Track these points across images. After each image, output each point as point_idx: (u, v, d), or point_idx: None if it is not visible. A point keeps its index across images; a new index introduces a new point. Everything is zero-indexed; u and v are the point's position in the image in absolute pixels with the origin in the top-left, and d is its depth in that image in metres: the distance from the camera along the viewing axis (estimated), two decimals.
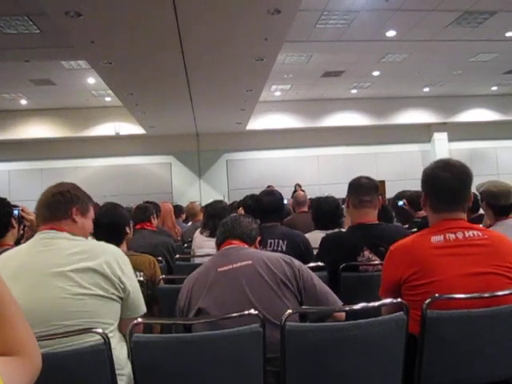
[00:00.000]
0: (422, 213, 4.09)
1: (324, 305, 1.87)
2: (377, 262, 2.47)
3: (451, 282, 1.69)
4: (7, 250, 2.22)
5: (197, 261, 3.68)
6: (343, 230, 3.16)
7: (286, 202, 5.49)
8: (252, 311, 1.61)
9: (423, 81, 11.63)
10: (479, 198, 3.00)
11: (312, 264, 2.46)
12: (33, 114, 12.20)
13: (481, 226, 2.28)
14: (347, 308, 1.78)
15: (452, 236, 1.77)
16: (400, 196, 4.69)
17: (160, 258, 3.21)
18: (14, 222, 2.42)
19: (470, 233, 1.78)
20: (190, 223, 6.30)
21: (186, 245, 4.72)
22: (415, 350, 1.65)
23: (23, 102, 11.44)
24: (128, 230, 2.68)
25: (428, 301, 1.61)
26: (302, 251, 2.87)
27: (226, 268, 1.88)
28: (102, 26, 5.44)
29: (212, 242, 3.85)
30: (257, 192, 3.92)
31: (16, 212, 2.41)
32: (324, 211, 3.57)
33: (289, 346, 1.56)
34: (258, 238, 2.15)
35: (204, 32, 5.78)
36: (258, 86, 8.80)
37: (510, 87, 12.75)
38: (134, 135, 12.90)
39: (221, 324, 1.67)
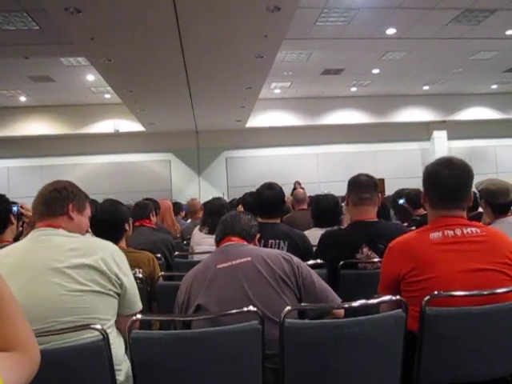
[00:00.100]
0: (421, 211, 4.10)
1: (323, 302, 1.87)
2: (376, 260, 2.47)
3: (449, 278, 1.69)
4: (6, 246, 2.23)
5: (195, 258, 3.68)
6: (342, 227, 3.16)
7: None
8: (251, 308, 1.61)
9: (423, 79, 11.63)
10: (478, 196, 3.00)
11: (311, 261, 2.45)
12: (32, 110, 12.19)
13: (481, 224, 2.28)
14: (346, 305, 1.78)
15: (450, 233, 1.78)
16: (400, 194, 4.69)
17: (159, 255, 3.21)
18: (12, 218, 2.42)
19: (469, 230, 1.79)
20: (189, 220, 6.30)
21: (185, 242, 4.72)
22: (414, 346, 1.65)
23: (22, 98, 11.43)
24: (127, 227, 2.68)
25: (427, 298, 1.61)
26: (301, 251, 2.80)
27: (225, 265, 1.88)
28: (102, 22, 5.42)
29: (211, 238, 3.85)
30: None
31: (15, 209, 2.41)
32: (323, 209, 3.57)
33: (288, 342, 1.56)
34: (258, 235, 2.15)
35: (204, 29, 5.77)
36: (258, 84, 8.79)
37: (509, 85, 12.75)
38: (133, 132, 12.89)
39: (220, 321, 1.67)
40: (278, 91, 12.27)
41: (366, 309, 1.68)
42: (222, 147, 13.92)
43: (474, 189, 2.01)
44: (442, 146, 14.00)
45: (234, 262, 1.87)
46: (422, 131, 14.31)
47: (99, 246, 1.75)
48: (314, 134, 13.83)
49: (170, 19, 5.35)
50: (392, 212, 4.86)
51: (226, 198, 10.90)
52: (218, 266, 1.88)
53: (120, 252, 1.81)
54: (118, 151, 13.40)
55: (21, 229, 2.64)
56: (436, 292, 1.62)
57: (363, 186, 2.66)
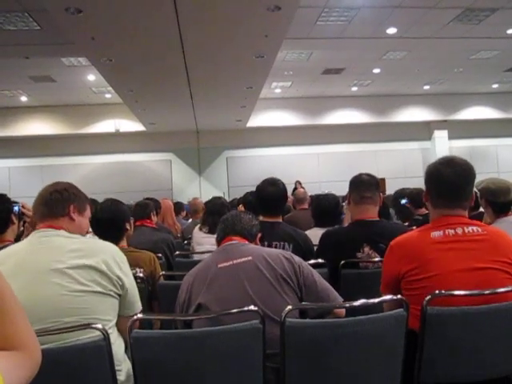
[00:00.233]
0: (423, 210, 4.09)
1: (324, 301, 1.87)
2: (377, 259, 2.47)
3: (450, 277, 1.70)
4: (7, 246, 2.23)
5: (196, 257, 3.68)
6: (343, 226, 3.15)
7: None
8: (252, 307, 1.61)
9: (424, 78, 11.61)
10: (478, 195, 3.00)
11: (312, 261, 2.45)
12: (33, 110, 12.19)
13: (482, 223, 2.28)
14: (347, 304, 1.78)
15: (451, 231, 1.78)
16: (402, 194, 4.68)
17: (160, 255, 3.21)
18: (14, 218, 2.42)
19: (470, 228, 1.79)
20: (190, 220, 6.30)
21: (185, 241, 4.72)
22: (415, 345, 1.65)
23: (23, 98, 11.43)
24: (128, 227, 2.68)
25: (428, 297, 1.61)
26: (303, 252, 2.73)
27: (226, 264, 1.88)
28: (103, 22, 5.42)
29: (211, 238, 3.85)
30: None
31: (16, 208, 2.41)
32: (324, 208, 3.57)
33: (288, 342, 1.56)
34: (259, 235, 2.15)
35: (204, 29, 5.77)
36: (259, 83, 8.79)
37: (510, 85, 12.73)
38: (134, 132, 12.89)
39: (220, 320, 1.67)
40: (278, 91, 12.26)
41: (367, 308, 1.68)
42: (223, 147, 13.92)
43: (474, 188, 2.01)
44: (442, 145, 13.98)
45: (235, 262, 1.87)
46: (422, 131, 14.29)
47: (100, 248, 1.76)
48: (314, 133, 13.82)
49: (171, 19, 5.35)
50: (393, 212, 4.86)
51: (226, 197, 10.91)
52: (219, 266, 1.88)
53: (121, 253, 1.81)
54: (119, 151, 13.40)
55: (22, 228, 2.65)
56: (437, 291, 1.62)
57: (364, 185, 2.67)
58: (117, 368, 1.61)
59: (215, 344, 1.57)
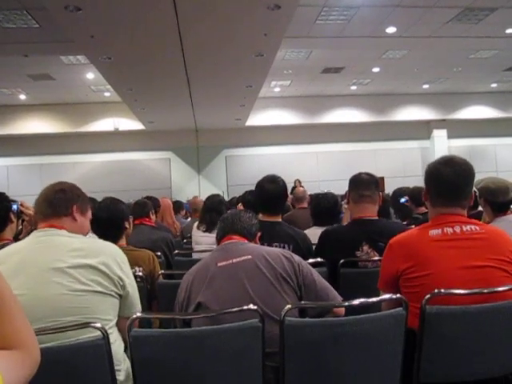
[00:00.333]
0: (423, 209, 4.09)
1: (323, 300, 1.88)
2: (376, 258, 2.47)
3: (448, 275, 1.70)
4: (6, 244, 2.23)
5: (195, 256, 3.68)
6: (342, 225, 3.15)
7: None
8: (251, 306, 1.61)
9: (423, 77, 11.62)
10: (477, 194, 3.00)
11: (311, 260, 2.45)
12: (32, 109, 12.18)
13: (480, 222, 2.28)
14: (346, 303, 1.78)
15: (450, 230, 1.79)
16: (401, 193, 4.68)
17: (159, 254, 3.20)
18: (12, 216, 2.41)
19: (468, 227, 1.80)
20: (189, 219, 6.30)
21: (184, 240, 4.72)
22: (414, 344, 1.65)
23: (22, 97, 11.42)
24: (127, 225, 2.68)
25: (427, 296, 1.61)
26: (302, 251, 2.68)
27: (225, 263, 1.88)
28: (102, 20, 5.41)
29: (209, 237, 3.86)
30: None
31: (15, 207, 2.40)
32: (322, 207, 3.57)
33: (288, 341, 1.57)
34: (259, 234, 2.15)
35: (204, 27, 5.76)
36: (258, 82, 8.78)
37: (509, 84, 12.74)
38: (133, 131, 12.89)
39: (220, 319, 1.67)
40: (277, 90, 12.26)
41: (366, 307, 1.68)
42: (222, 146, 13.92)
43: (474, 187, 2.01)
44: (441, 144, 14.00)
45: (234, 260, 1.87)
46: (421, 130, 14.31)
47: (102, 248, 1.76)
48: (313, 132, 13.82)
49: (170, 17, 5.34)
50: (392, 210, 4.86)
51: (225, 196, 10.91)
52: (219, 264, 1.88)
53: (122, 253, 1.81)
54: (118, 149, 13.39)
55: (20, 227, 2.64)
56: (436, 290, 1.63)
57: (364, 184, 2.67)
58: (116, 368, 1.61)
59: (214, 343, 1.57)
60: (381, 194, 2.74)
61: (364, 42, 8.13)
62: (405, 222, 3.97)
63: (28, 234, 2.78)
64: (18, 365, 0.86)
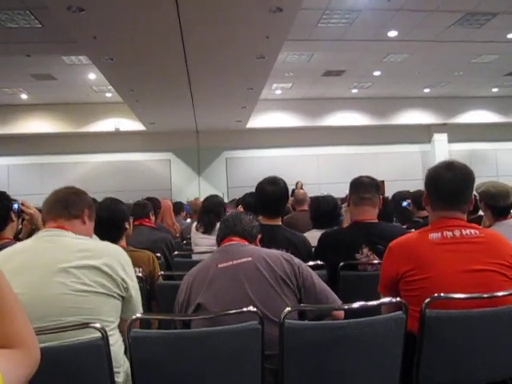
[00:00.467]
0: (425, 212, 4.09)
1: (323, 303, 1.87)
2: (376, 262, 2.47)
3: (448, 278, 1.71)
4: (7, 243, 2.23)
5: (194, 257, 3.68)
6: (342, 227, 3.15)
7: None
8: (251, 308, 1.61)
9: (424, 81, 11.63)
10: (478, 198, 3.00)
11: (311, 263, 2.44)
12: (33, 108, 12.19)
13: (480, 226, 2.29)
14: (346, 306, 1.78)
15: (449, 233, 1.80)
16: (402, 196, 4.69)
17: (159, 255, 3.20)
18: (13, 215, 2.41)
19: (467, 231, 1.82)
20: (188, 220, 6.30)
21: (184, 242, 4.71)
22: (413, 347, 1.65)
23: (24, 96, 11.43)
24: (127, 226, 2.68)
25: (427, 300, 1.61)
26: (302, 255, 2.57)
27: (225, 264, 1.87)
28: (104, 21, 5.42)
29: (208, 239, 3.86)
30: None
31: (16, 206, 2.40)
32: (322, 210, 3.57)
33: (287, 343, 1.56)
34: (259, 236, 2.14)
35: (206, 29, 5.77)
36: (259, 84, 8.79)
37: (510, 89, 12.75)
38: (133, 131, 12.89)
39: (220, 320, 1.67)
40: (279, 92, 12.26)
41: (365, 310, 1.68)
42: (223, 147, 13.92)
43: (474, 192, 2.02)
44: (442, 148, 14.00)
45: (234, 262, 1.87)
46: (422, 134, 14.30)
47: (107, 249, 1.77)
48: (314, 135, 13.82)
49: (173, 19, 5.35)
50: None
51: (225, 198, 10.91)
52: (219, 266, 1.88)
53: (126, 256, 1.82)
54: (119, 150, 13.39)
55: (20, 226, 2.64)
56: (436, 294, 1.63)
57: (364, 186, 2.68)
58: (116, 370, 1.61)
59: (214, 344, 1.56)
60: (381, 197, 2.75)
61: (365, 45, 8.15)
62: (405, 226, 3.97)
63: (28, 233, 2.79)
64: (17, 364, 0.86)
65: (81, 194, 1.93)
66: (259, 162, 13.62)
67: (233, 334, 1.57)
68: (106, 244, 1.84)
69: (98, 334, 1.53)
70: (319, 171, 14.03)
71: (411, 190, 4.89)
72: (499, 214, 2.90)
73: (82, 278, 1.62)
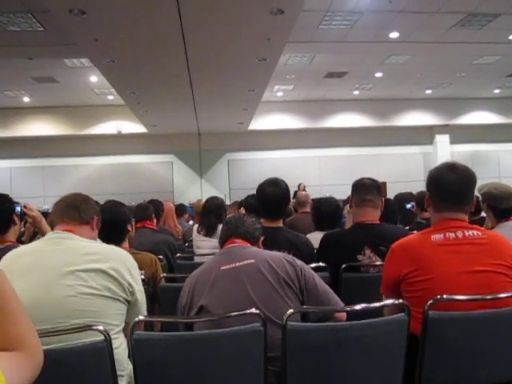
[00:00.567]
0: (428, 214, 4.09)
1: (325, 305, 1.87)
2: (378, 263, 2.47)
3: (450, 279, 1.71)
4: (9, 246, 2.24)
5: (197, 260, 3.68)
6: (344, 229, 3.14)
7: None
8: (253, 310, 1.61)
9: (426, 83, 11.62)
10: (480, 199, 3.00)
11: (313, 264, 2.44)
12: (35, 111, 12.21)
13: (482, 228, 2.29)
14: (348, 308, 1.78)
15: (452, 235, 1.80)
16: (405, 198, 4.69)
17: (161, 257, 3.20)
18: (16, 218, 2.42)
19: (470, 232, 1.82)
20: (191, 222, 6.29)
21: (186, 244, 4.71)
22: (416, 349, 1.65)
23: (26, 99, 11.45)
24: (130, 228, 2.68)
25: (430, 302, 1.61)
26: (304, 257, 2.52)
27: (228, 266, 1.87)
28: (106, 24, 5.43)
29: (209, 241, 3.86)
30: None
31: (18, 208, 2.41)
32: (323, 212, 3.56)
33: (290, 345, 1.56)
34: (261, 238, 2.14)
35: (207, 32, 5.78)
36: (261, 86, 8.79)
37: None
38: (135, 134, 12.90)
39: (222, 322, 1.67)
40: (280, 94, 12.27)
41: (368, 312, 1.68)
42: (224, 149, 13.93)
43: (476, 193, 2.02)
44: (444, 149, 13.98)
45: (237, 264, 1.87)
46: (424, 135, 14.29)
47: (113, 254, 1.78)
48: (316, 137, 13.83)
49: (174, 21, 5.36)
50: None
51: (227, 200, 10.91)
52: (222, 268, 1.88)
53: (133, 260, 1.84)
54: (121, 152, 13.41)
55: (23, 229, 2.64)
56: (439, 296, 1.63)
57: (366, 188, 2.68)
58: (120, 373, 1.61)
59: (216, 347, 1.57)
60: (383, 199, 2.75)
61: (367, 46, 8.15)
62: (407, 227, 3.97)
63: (30, 235, 2.79)
64: (20, 366, 0.86)
65: (91, 201, 1.98)
66: (261, 163, 13.62)
67: (235, 336, 1.57)
68: (113, 248, 1.86)
69: (102, 337, 1.53)
70: (321, 173, 14.02)
71: (413, 192, 4.89)
72: (501, 215, 2.89)
73: (88, 281, 1.64)
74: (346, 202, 4.54)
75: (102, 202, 2.94)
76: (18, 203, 2.43)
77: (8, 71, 8.90)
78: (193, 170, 13.98)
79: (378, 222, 2.68)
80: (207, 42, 6.18)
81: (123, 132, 12.71)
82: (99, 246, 1.84)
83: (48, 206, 10.52)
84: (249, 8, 5.15)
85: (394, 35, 7.61)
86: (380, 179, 3.06)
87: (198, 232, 4.00)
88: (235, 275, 1.84)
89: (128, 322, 1.76)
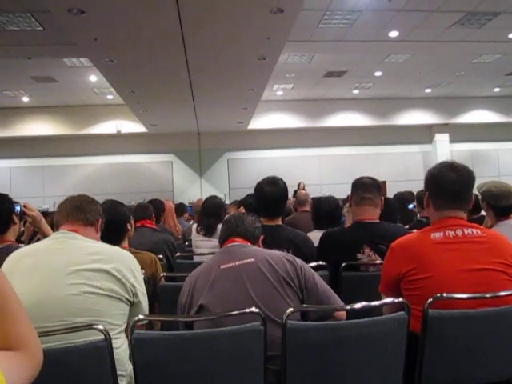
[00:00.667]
0: None
1: (325, 304, 1.87)
2: (378, 262, 2.47)
3: (450, 278, 1.71)
4: (9, 246, 2.24)
5: (196, 259, 3.68)
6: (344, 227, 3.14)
7: None
8: (253, 309, 1.61)
9: (425, 81, 11.62)
10: (480, 198, 3.00)
11: (313, 263, 2.44)
12: (34, 111, 12.21)
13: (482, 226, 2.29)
14: (348, 307, 1.78)
15: (451, 233, 1.81)
16: (406, 198, 4.70)
17: (161, 256, 3.20)
18: (15, 218, 2.41)
19: (469, 230, 1.83)
20: (191, 222, 6.29)
21: (186, 243, 4.71)
22: (416, 347, 1.65)
23: (25, 99, 11.44)
24: (129, 227, 2.68)
25: (430, 300, 1.61)
26: (305, 255, 2.58)
27: (228, 265, 1.87)
28: (105, 23, 5.43)
29: (208, 242, 3.85)
30: None
31: (18, 208, 2.41)
32: (323, 211, 3.56)
33: (290, 344, 1.56)
34: (261, 237, 2.14)
35: (207, 31, 5.78)
36: (260, 86, 8.79)
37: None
38: (135, 133, 12.90)
39: (222, 321, 1.67)
40: (280, 93, 12.27)
41: (368, 311, 1.68)
42: (224, 149, 13.93)
43: (475, 191, 2.03)
44: (444, 148, 13.98)
45: (237, 263, 1.87)
46: (424, 134, 14.30)
47: (117, 255, 1.80)
48: (315, 136, 13.83)
49: (174, 21, 5.36)
50: None
51: (227, 199, 10.91)
52: (222, 267, 1.88)
53: (136, 262, 1.85)
54: (120, 152, 13.41)
55: (22, 229, 2.64)
56: (438, 294, 1.63)
57: (365, 187, 2.69)
58: (120, 373, 1.62)
59: (216, 345, 1.57)
60: (382, 198, 2.75)
61: (366, 45, 8.15)
62: (407, 226, 3.98)
63: (30, 235, 2.79)
64: (20, 366, 0.86)
65: (95, 203, 2.00)
66: (261, 163, 13.62)
67: (235, 335, 1.57)
68: (116, 249, 1.87)
69: (102, 336, 1.53)
70: (320, 172, 14.03)
71: (412, 191, 4.90)
72: (501, 213, 2.90)
73: (92, 281, 1.65)
74: (345, 200, 4.55)
75: (101, 201, 2.94)
76: (17, 203, 2.43)
77: (7, 71, 8.90)
78: (192, 170, 13.98)
79: (378, 220, 2.68)
80: (207, 42, 6.18)
81: (123, 132, 12.70)
82: (102, 245, 1.85)
83: (48, 206, 10.54)
84: (248, 7, 5.15)
85: (393, 34, 7.61)
86: (380, 178, 3.06)
87: (198, 232, 3.99)
88: (235, 274, 1.84)
89: (129, 322, 1.76)
